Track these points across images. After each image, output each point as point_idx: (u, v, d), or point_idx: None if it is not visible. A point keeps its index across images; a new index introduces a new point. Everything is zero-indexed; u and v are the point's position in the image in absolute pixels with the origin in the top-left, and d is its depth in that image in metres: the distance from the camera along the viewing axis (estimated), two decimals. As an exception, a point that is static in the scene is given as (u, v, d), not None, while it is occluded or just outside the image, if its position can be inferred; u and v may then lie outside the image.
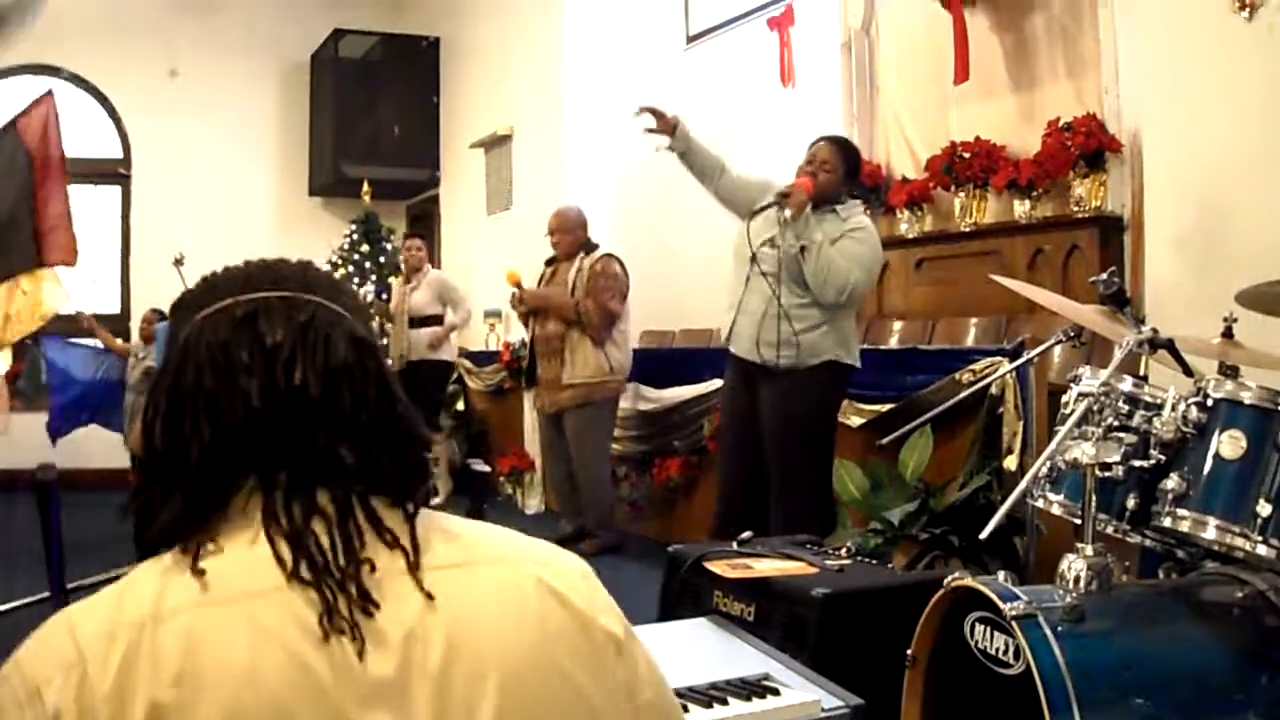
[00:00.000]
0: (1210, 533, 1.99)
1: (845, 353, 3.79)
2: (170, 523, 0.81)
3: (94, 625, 0.75)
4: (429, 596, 0.80)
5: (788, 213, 3.71)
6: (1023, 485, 2.01)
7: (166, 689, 0.71)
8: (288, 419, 0.82)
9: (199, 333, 0.85)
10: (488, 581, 0.84)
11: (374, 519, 0.83)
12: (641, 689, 0.88)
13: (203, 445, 0.81)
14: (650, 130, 4.05)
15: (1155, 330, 2.21)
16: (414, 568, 0.81)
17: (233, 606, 0.76)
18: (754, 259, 3.81)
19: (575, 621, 0.85)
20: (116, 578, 0.82)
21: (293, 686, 0.74)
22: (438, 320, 6.66)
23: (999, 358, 3.55)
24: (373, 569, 0.80)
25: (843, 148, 3.93)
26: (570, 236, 5.39)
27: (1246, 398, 2.01)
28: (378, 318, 6.74)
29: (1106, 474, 2.05)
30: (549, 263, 5.49)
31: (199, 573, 0.77)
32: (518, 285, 5.34)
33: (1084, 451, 2.00)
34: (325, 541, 0.80)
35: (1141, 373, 2.76)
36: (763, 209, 3.82)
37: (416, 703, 0.77)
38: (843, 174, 3.87)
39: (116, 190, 9.05)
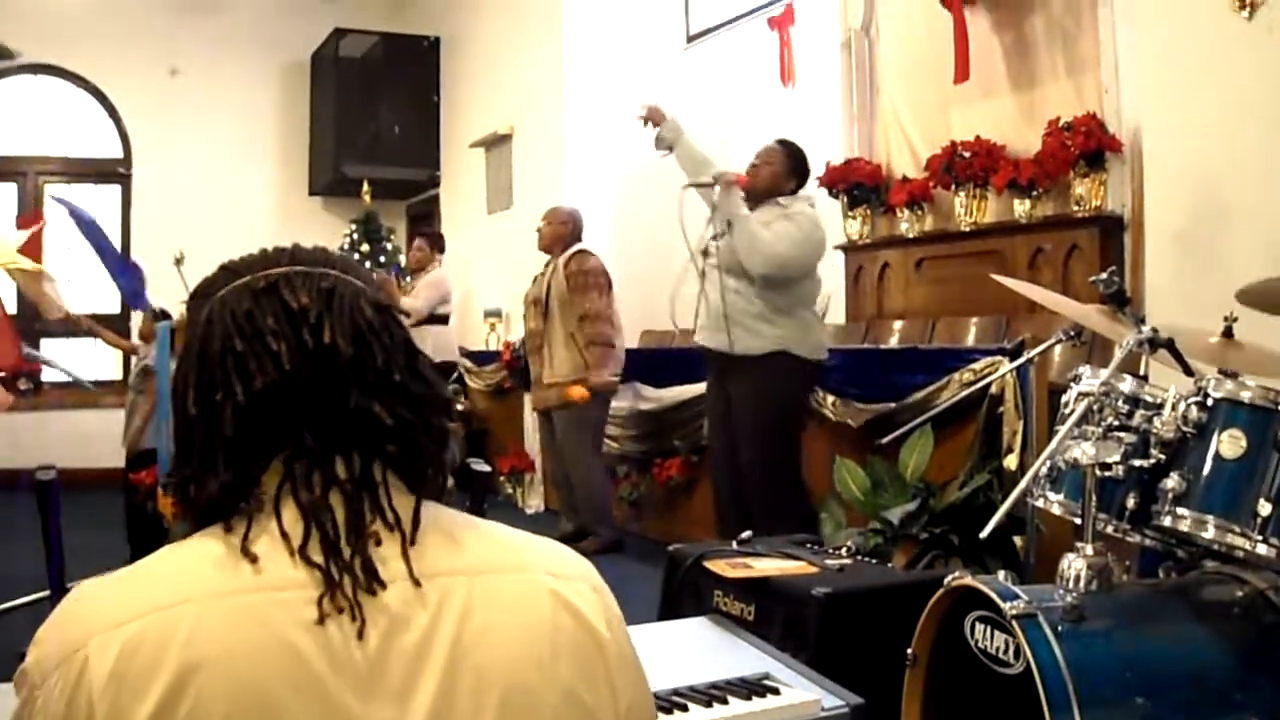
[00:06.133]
0: (1210, 532, 1.99)
1: (800, 346, 3.91)
2: (217, 493, 0.81)
3: (102, 614, 0.75)
4: (416, 583, 0.79)
5: (716, 192, 3.94)
6: (1023, 485, 2.01)
7: (164, 684, 0.71)
8: (320, 380, 0.82)
9: (221, 306, 0.85)
10: (501, 591, 0.83)
11: (386, 496, 0.82)
12: (638, 712, 0.87)
13: (236, 407, 0.81)
14: (641, 118, 4.22)
15: (1155, 330, 2.21)
16: (406, 555, 0.80)
17: (239, 597, 0.75)
18: (706, 253, 4.03)
19: (589, 638, 0.84)
20: None
21: (289, 680, 0.73)
22: (429, 322, 6.72)
23: (999, 357, 3.55)
24: (378, 542, 0.80)
25: (785, 147, 4.09)
26: (550, 229, 5.41)
27: (1246, 397, 2.01)
28: None
29: (1106, 473, 2.04)
30: (549, 262, 5.50)
31: (252, 559, 0.77)
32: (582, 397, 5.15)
33: (1084, 451, 2.00)
34: (340, 515, 0.80)
35: (1141, 372, 2.76)
36: (696, 185, 4.04)
37: (417, 707, 0.76)
38: (784, 169, 4.02)
39: (116, 189, 9.04)
